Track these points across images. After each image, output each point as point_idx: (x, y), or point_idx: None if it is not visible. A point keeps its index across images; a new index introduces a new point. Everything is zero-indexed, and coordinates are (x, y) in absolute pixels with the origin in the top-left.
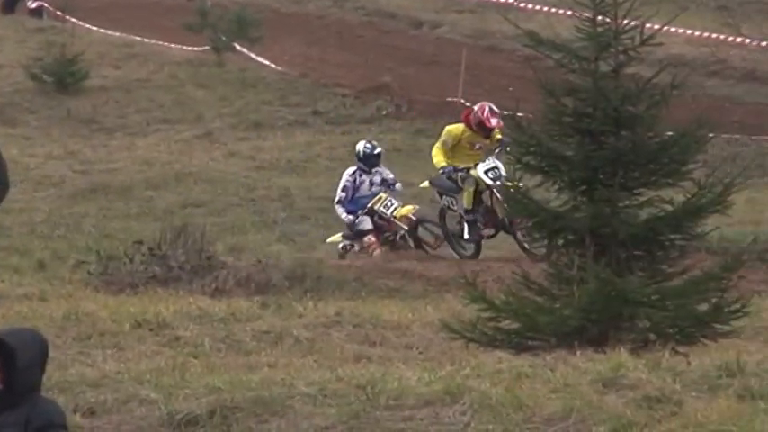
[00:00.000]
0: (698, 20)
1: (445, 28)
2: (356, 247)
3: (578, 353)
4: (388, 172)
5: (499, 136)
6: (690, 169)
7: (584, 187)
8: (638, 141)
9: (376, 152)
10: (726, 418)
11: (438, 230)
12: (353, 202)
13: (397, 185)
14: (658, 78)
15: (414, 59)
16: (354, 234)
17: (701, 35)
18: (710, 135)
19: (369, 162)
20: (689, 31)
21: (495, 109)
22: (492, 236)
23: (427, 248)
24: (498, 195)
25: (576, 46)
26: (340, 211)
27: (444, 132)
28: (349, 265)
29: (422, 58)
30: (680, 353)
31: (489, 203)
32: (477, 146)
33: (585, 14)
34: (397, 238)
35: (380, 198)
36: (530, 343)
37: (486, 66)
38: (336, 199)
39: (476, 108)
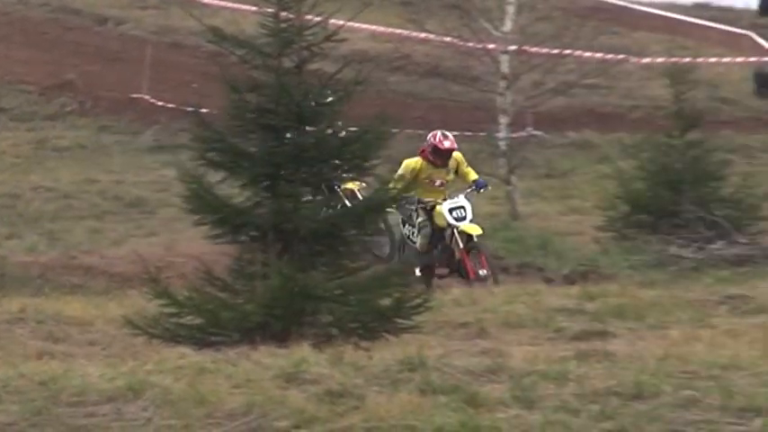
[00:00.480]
0: (382, 16)
1: (130, 24)
2: None
3: (261, 348)
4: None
5: (475, 176)
6: (373, 165)
7: (267, 183)
8: (321, 137)
9: None
10: (407, 413)
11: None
12: None
13: None
14: (342, 74)
15: (98, 56)
16: None
17: (384, 31)
18: (393, 130)
19: None
20: (373, 27)
21: (447, 133)
22: (444, 276)
23: None
24: (458, 237)
25: (260, 42)
26: None
27: (402, 166)
28: (33, 261)
29: (106, 54)
30: (362, 347)
31: (449, 242)
32: (437, 182)
33: (269, 10)
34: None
35: None
36: (212, 338)
37: (171, 62)
38: None
39: (428, 136)
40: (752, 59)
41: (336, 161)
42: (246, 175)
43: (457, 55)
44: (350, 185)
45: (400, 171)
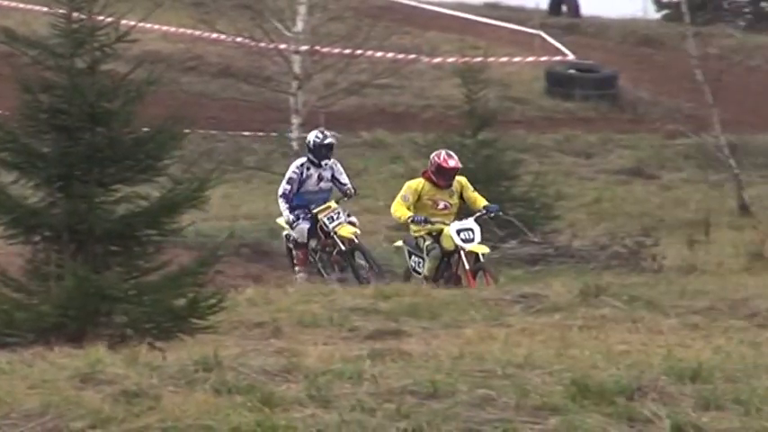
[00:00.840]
0: (174, 16)
1: None
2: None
3: (56, 349)
4: (342, 170)
5: (485, 202)
6: (166, 165)
7: (61, 183)
8: (115, 137)
9: (326, 142)
10: (203, 412)
11: (371, 262)
12: (298, 196)
13: (349, 190)
14: (135, 74)
15: None
16: (291, 233)
17: (176, 31)
18: (186, 131)
19: (318, 154)
20: (165, 27)
21: (451, 153)
22: None
23: (360, 278)
24: (465, 260)
25: (53, 43)
26: (283, 207)
27: (404, 187)
28: None
29: None
30: (157, 348)
31: (455, 269)
32: (441, 204)
33: (61, 11)
34: (335, 253)
35: (329, 207)
36: (7, 339)
37: None
38: (280, 191)
39: (432, 156)
40: (543, 59)
41: (130, 162)
42: (40, 176)
43: (249, 55)
44: (346, 234)
45: (402, 192)
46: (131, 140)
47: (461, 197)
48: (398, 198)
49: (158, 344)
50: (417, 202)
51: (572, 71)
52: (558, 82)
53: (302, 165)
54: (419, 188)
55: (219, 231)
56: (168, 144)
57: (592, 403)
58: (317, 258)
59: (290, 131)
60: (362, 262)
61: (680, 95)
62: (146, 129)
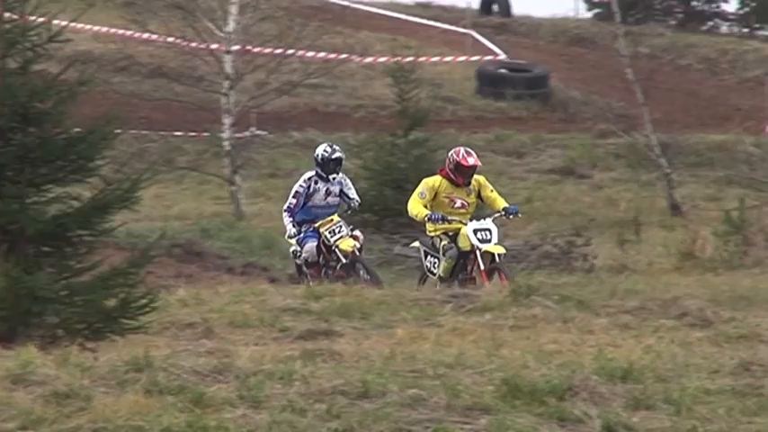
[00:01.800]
0: (105, 16)
1: None
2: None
3: None
4: (350, 185)
5: (504, 203)
6: (97, 165)
7: None
8: (46, 138)
9: (334, 157)
10: (134, 413)
11: (371, 275)
12: (305, 210)
13: (355, 204)
14: (66, 75)
15: None
16: (299, 248)
17: (108, 31)
18: (118, 131)
19: (326, 168)
20: (96, 28)
21: (470, 150)
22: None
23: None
24: (480, 260)
25: None
26: (287, 221)
27: (421, 183)
28: None
29: None
30: (88, 348)
31: (469, 270)
32: (458, 202)
33: None
34: (338, 267)
35: (331, 221)
36: None
37: None
38: (285, 205)
39: (450, 153)
40: (474, 58)
41: (61, 162)
42: None
43: (181, 55)
44: (346, 247)
45: (419, 189)
46: (63, 141)
47: (479, 196)
48: (415, 195)
49: (89, 344)
50: (434, 200)
51: (503, 71)
52: (490, 81)
53: (310, 178)
54: (436, 185)
55: (151, 232)
56: (100, 144)
57: (523, 403)
58: (322, 273)
59: (222, 131)
60: (364, 274)
61: (611, 95)
62: (77, 129)
